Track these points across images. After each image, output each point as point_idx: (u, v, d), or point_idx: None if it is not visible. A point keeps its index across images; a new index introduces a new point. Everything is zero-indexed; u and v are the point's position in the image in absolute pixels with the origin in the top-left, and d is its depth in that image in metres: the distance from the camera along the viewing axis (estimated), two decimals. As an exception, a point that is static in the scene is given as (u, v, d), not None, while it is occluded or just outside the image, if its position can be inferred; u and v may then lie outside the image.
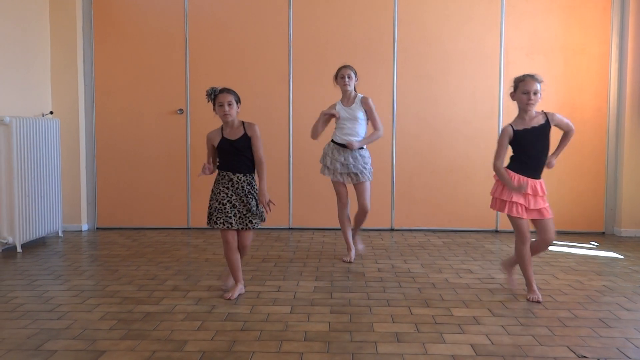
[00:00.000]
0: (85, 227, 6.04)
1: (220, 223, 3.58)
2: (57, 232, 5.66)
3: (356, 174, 4.53)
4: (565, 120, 3.66)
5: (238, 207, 3.61)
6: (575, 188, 5.94)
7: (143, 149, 6.08)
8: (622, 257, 4.92)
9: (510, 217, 3.64)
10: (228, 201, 3.60)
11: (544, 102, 5.72)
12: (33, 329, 3.10)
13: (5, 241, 4.91)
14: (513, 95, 3.61)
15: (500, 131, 3.77)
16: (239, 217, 3.61)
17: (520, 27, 5.91)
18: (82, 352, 2.79)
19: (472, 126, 5.96)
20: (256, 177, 3.70)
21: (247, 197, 3.61)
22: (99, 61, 6.04)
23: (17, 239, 4.95)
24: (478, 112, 5.96)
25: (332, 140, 4.60)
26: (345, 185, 4.63)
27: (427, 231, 6.02)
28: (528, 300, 3.62)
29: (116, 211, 6.12)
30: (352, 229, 4.76)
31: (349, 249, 4.73)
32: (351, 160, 4.51)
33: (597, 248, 5.29)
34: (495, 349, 2.85)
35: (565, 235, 5.83)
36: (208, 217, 3.65)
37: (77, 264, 4.61)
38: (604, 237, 5.80)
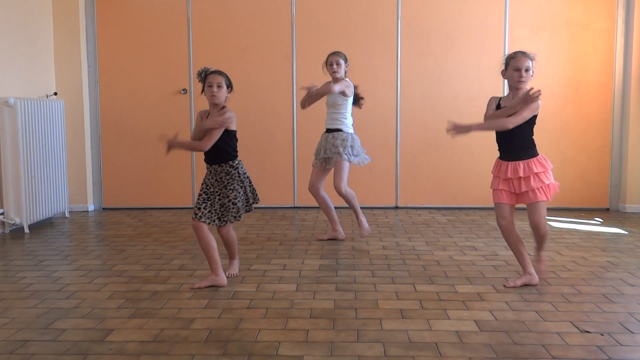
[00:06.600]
0: (91, 207, 6.08)
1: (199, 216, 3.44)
2: (64, 213, 5.70)
3: (329, 158, 4.54)
4: (521, 112, 3.31)
5: (212, 200, 3.47)
6: (580, 164, 5.92)
7: (147, 128, 6.08)
8: (626, 233, 4.93)
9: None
10: (204, 192, 3.49)
11: (549, 78, 5.75)
12: (42, 308, 3.14)
13: (12, 222, 4.95)
14: (504, 73, 3.47)
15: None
16: (211, 212, 3.46)
17: (524, 3, 5.85)
18: (91, 330, 2.83)
19: (477, 103, 5.91)
20: (237, 168, 3.50)
21: (226, 189, 3.46)
22: (102, 41, 6.02)
23: (25, 220, 4.99)
24: (482, 90, 5.92)
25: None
26: (315, 170, 4.66)
27: (431, 209, 6.03)
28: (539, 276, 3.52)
29: (122, 191, 6.15)
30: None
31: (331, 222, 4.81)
32: (324, 143, 4.56)
33: (601, 224, 5.30)
34: (499, 324, 2.87)
35: (570, 211, 5.84)
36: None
37: (84, 244, 4.65)
38: (608, 213, 5.80)
